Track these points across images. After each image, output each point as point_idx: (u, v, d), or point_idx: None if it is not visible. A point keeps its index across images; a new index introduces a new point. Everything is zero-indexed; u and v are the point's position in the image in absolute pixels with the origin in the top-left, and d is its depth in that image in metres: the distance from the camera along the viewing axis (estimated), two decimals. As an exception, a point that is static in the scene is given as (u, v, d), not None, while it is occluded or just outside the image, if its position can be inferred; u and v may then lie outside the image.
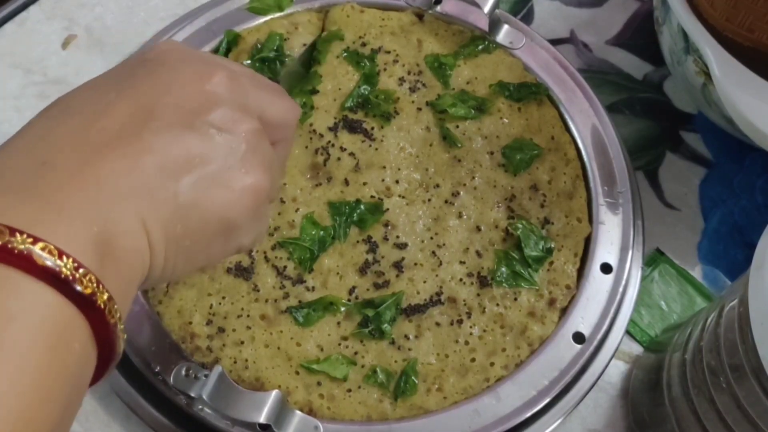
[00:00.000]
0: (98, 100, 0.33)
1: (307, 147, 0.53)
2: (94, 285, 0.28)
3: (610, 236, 0.51)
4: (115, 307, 0.29)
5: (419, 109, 0.55)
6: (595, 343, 0.48)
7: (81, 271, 0.28)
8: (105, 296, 0.28)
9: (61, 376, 0.27)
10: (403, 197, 0.52)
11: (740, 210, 0.57)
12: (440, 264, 0.50)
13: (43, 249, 0.27)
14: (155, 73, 0.34)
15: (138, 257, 0.31)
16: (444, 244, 0.50)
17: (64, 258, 0.27)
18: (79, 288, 0.27)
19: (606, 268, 0.50)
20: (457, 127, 0.54)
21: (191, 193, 0.33)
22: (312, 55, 0.54)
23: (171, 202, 0.32)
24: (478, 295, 0.49)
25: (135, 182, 0.31)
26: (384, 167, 0.52)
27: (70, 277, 0.27)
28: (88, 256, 0.28)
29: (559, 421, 0.47)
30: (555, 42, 0.61)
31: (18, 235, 0.27)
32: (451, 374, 0.47)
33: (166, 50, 0.36)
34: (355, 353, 0.47)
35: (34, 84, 0.60)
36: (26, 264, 0.27)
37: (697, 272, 0.54)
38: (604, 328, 0.48)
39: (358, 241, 0.50)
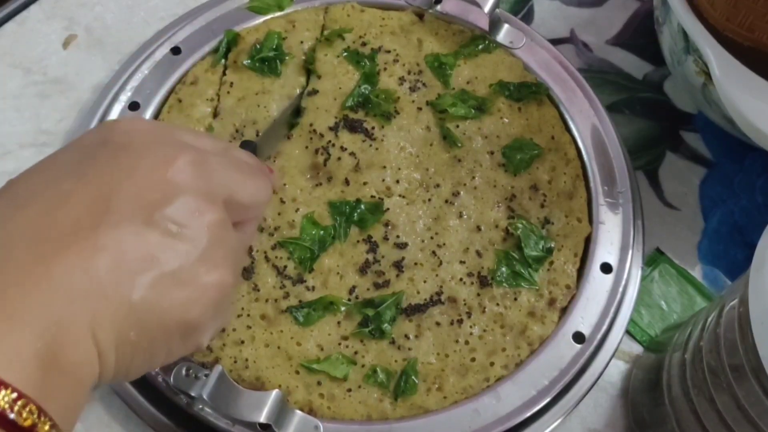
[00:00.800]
0: (55, 187, 0.31)
1: (307, 147, 0.53)
2: (35, 416, 0.27)
3: (610, 236, 0.51)
4: None
5: (419, 108, 0.55)
6: (595, 342, 0.48)
7: (20, 402, 0.26)
8: (47, 426, 0.27)
9: None
10: (404, 197, 0.52)
11: (740, 210, 0.57)
12: (440, 264, 0.50)
13: None
14: (116, 159, 0.33)
15: (86, 368, 0.30)
16: (444, 244, 0.50)
17: (2, 390, 0.26)
18: (18, 421, 0.26)
19: (606, 268, 0.50)
20: (458, 126, 0.54)
21: (148, 295, 0.31)
22: (298, 108, 0.54)
23: (126, 304, 0.30)
24: (478, 294, 0.49)
25: (88, 284, 0.29)
26: (384, 167, 0.52)
27: (8, 410, 0.26)
28: (31, 376, 0.27)
29: (559, 420, 0.47)
30: (555, 42, 0.61)
31: None
32: (451, 374, 0.47)
33: (130, 131, 0.34)
34: (356, 353, 0.47)
35: (34, 84, 0.60)
36: None
37: (697, 272, 0.54)
38: (604, 327, 0.48)
39: (358, 241, 0.50)
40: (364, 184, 0.52)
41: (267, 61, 0.56)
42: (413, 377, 0.46)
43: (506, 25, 0.58)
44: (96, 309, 0.30)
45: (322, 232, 0.50)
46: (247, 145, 0.42)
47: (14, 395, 0.26)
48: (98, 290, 0.30)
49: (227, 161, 0.36)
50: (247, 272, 0.49)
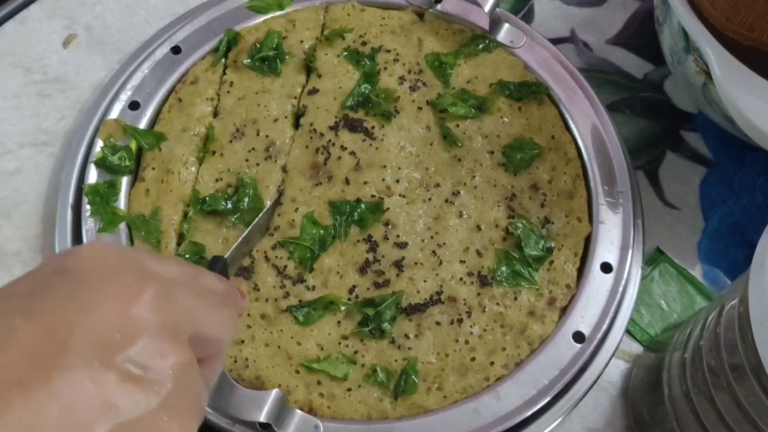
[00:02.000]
0: (2, 323, 0.28)
1: (307, 146, 0.53)
2: None
3: (611, 235, 0.51)
4: None
5: (420, 108, 0.55)
6: (595, 342, 0.48)
7: None
8: None
9: None
10: (404, 196, 0.52)
11: (740, 209, 0.57)
12: (440, 263, 0.50)
13: None
14: (72, 292, 0.30)
15: None
16: (444, 244, 0.50)
17: None
18: None
19: (606, 268, 0.50)
20: (458, 126, 0.54)
21: None
22: (274, 210, 0.51)
23: None
24: (479, 294, 0.49)
25: None
26: (384, 166, 0.52)
27: None
28: None
29: (559, 420, 0.47)
30: (555, 41, 0.61)
31: None
32: (451, 373, 0.47)
33: (91, 258, 0.32)
34: (356, 352, 0.47)
35: (34, 83, 0.60)
36: None
37: (697, 271, 0.54)
38: (604, 327, 0.48)
39: (358, 241, 0.50)
40: (365, 183, 0.52)
41: (267, 60, 0.56)
42: (413, 377, 0.46)
43: (506, 25, 0.58)
44: None
45: (322, 232, 0.50)
46: (216, 264, 0.40)
47: None
48: None
49: (195, 292, 0.34)
50: (247, 272, 0.49)
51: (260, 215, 0.50)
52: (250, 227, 0.49)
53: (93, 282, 0.30)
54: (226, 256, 0.45)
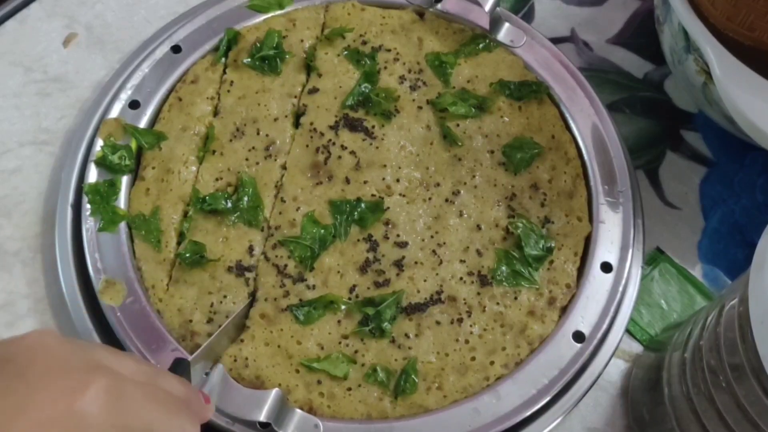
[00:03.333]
0: None
1: (307, 146, 0.53)
2: None
3: (611, 235, 0.51)
4: None
5: (420, 107, 0.55)
6: (595, 342, 0.48)
7: None
8: None
9: None
10: (404, 196, 0.52)
11: (741, 209, 0.57)
12: (440, 263, 0.50)
13: None
14: (10, 388, 0.27)
15: None
16: (444, 243, 0.50)
17: None
18: None
19: (606, 267, 0.50)
20: (458, 125, 0.54)
21: None
22: (248, 312, 0.48)
23: None
24: (479, 293, 0.49)
25: None
26: (385, 166, 0.52)
27: None
28: None
29: (558, 419, 0.47)
30: (556, 40, 0.61)
31: None
32: (451, 373, 0.47)
33: (35, 348, 0.29)
34: (356, 352, 0.47)
35: (35, 82, 0.60)
36: None
37: (697, 271, 0.54)
38: (604, 327, 0.48)
39: (358, 240, 0.50)
40: (365, 182, 0.52)
41: (267, 59, 0.56)
42: (413, 376, 0.46)
43: (507, 24, 0.58)
44: None
45: (322, 231, 0.50)
46: (178, 366, 0.37)
47: None
48: None
49: (150, 392, 0.31)
50: (248, 271, 0.49)
51: (230, 318, 0.47)
52: (219, 329, 0.46)
53: (34, 375, 0.28)
54: (190, 359, 0.42)
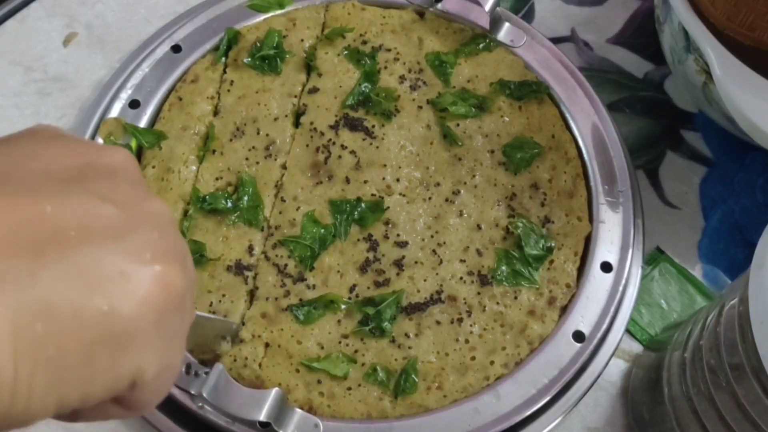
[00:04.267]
0: None
1: (308, 145, 0.53)
2: None
3: (611, 235, 0.51)
4: None
5: (420, 107, 0.55)
6: (595, 341, 0.48)
7: None
8: None
9: None
10: (404, 195, 0.52)
11: (741, 209, 0.57)
12: (441, 262, 0.50)
13: None
14: (21, 141, 0.26)
15: None
16: (444, 243, 0.50)
17: None
18: None
19: (606, 267, 0.50)
20: (458, 125, 0.54)
21: (60, 276, 0.23)
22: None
23: (27, 287, 0.22)
24: (479, 293, 0.49)
25: None
26: (385, 165, 0.52)
27: None
28: None
29: (558, 419, 0.47)
30: (556, 40, 0.61)
31: None
32: (451, 372, 0.47)
33: (45, 127, 0.28)
34: (356, 351, 0.47)
35: (35, 81, 0.60)
36: None
37: (697, 271, 0.54)
38: (604, 326, 0.48)
39: (358, 240, 0.50)
40: (365, 182, 0.52)
41: (267, 59, 0.56)
42: (413, 376, 0.46)
43: (507, 24, 0.58)
44: None
45: (322, 231, 0.50)
46: None
47: None
48: None
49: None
50: (248, 270, 0.49)
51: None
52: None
53: (47, 138, 0.27)
54: None
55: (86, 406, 0.24)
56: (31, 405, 0.22)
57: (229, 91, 0.55)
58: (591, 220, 0.51)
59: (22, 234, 0.23)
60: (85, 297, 0.23)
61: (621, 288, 0.49)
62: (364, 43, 0.57)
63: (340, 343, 0.47)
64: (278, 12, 0.58)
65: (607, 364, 0.48)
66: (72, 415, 0.26)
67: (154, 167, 0.52)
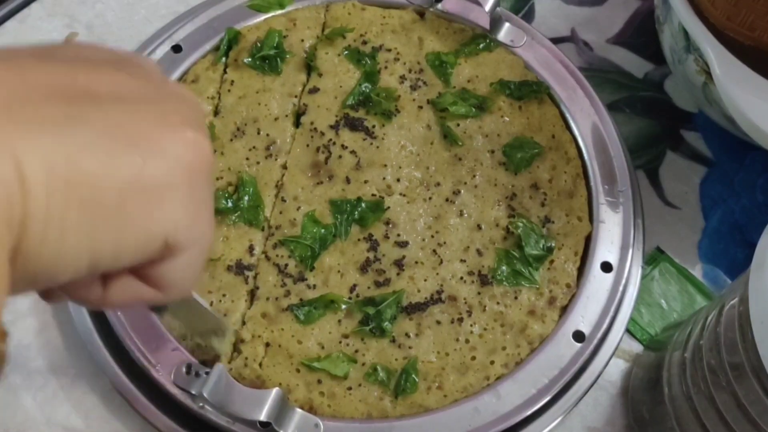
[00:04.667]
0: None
1: (308, 145, 0.53)
2: None
3: (611, 235, 0.51)
4: None
5: (420, 107, 0.55)
6: (595, 341, 0.48)
7: None
8: None
9: None
10: (404, 195, 0.52)
11: (741, 209, 0.57)
12: (441, 262, 0.50)
13: None
14: (62, 46, 0.27)
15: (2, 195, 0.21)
16: (445, 243, 0.50)
17: None
18: None
19: (606, 267, 0.50)
20: (458, 125, 0.54)
21: (95, 126, 0.23)
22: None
23: (63, 131, 0.23)
24: (479, 293, 0.49)
25: (9, 95, 0.22)
26: (385, 165, 0.52)
27: None
28: None
29: (559, 419, 0.47)
30: (556, 40, 0.61)
31: None
32: (452, 372, 0.47)
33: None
34: (356, 351, 0.47)
35: (35, 81, 0.60)
36: None
37: (697, 271, 0.54)
38: (604, 326, 0.48)
39: (359, 239, 0.50)
40: (365, 182, 0.52)
41: (268, 59, 0.56)
42: (413, 375, 0.46)
43: (507, 24, 0.58)
44: (15, 130, 0.22)
45: (323, 231, 0.50)
46: None
47: None
48: (20, 105, 0.22)
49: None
50: (248, 269, 0.49)
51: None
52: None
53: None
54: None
55: (118, 266, 0.25)
56: (64, 246, 0.22)
57: (229, 91, 0.55)
58: (591, 220, 0.51)
59: (57, 90, 0.23)
60: (119, 147, 0.24)
61: (621, 288, 0.49)
62: (365, 43, 0.57)
63: (340, 342, 0.47)
64: (278, 12, 0.58)
65: (607, 364, 0.48)
66: (103, 297, 0.27)
67: (154, 167, 0.52)
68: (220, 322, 0.46)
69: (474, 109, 0.55)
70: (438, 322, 0.48)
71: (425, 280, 0.49)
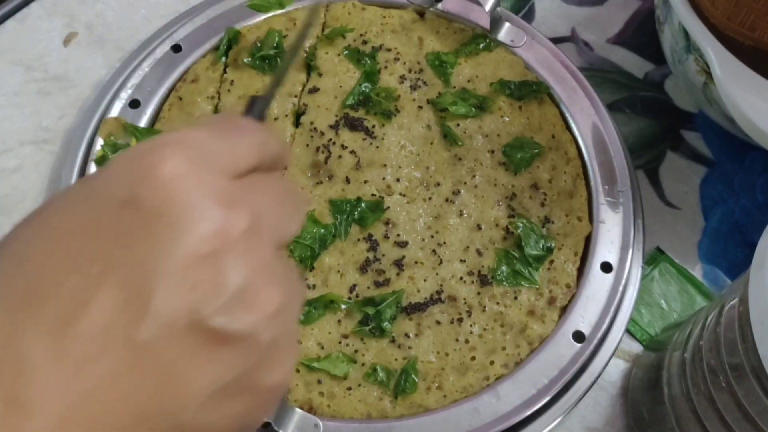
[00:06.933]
0: (76, 273, 0.23)
1: (308, 145, 0.53)
2: None
3: (611, 235, 0.51)
4: None
5: (420, 107, 0.55)
6: (594, 341, 0.48)
7: None
8: None
9: None
10: (404, 195, 0.52)
11: (741, 209, 0.57)
12: (441, 262, 0.50)
13: None
14: (149, 229, 0.24)
15: None
16: (444, 243, 0.50)
17: None
18: None
19: (606, 267, 0.50)
20: (458, 125, 0.54)
21: (197, 416, 0.25)
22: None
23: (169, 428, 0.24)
24: (479, 293, 0.49)
25: (117, 407, 0.23)
26: (385, 165, 0.52)
27: None
28: None
29: (558, 419, 0.47)
30: (556, 40, 0.61)
31: None
32: (451, 372, 0.47)
33: (169, 186, 0.24)
34: (356, 351, 0.47)
35: (35, 81, 0.60)
36: None
37: (697, 271, 0.54)
38: (604, 326, 0.48)
39: (358, 239, 0.50)
40: (365, 182, 0.52)
41: (268, 59, 0.56)
42: (413, 376, 0.46)
43: (507, 24, 0.58)
44: None
45: (322, 231, 0.50)
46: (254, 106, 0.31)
47: None
48: (135, 417, 0.23)
49: (270, 192, 0.27)
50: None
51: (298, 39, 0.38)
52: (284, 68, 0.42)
53: (171, 217, 0.24)
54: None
55: None
56: None
57: (229, 90, 0.55)
58: (591, 220, 0.51)
59: (162, 384, 0.24)
60: (216, 427, 0.26)
61: (621, 288, 0.49)
62: (365, 42, 0.57)
63: (340, 343, 0.47)
64: (278, 12, 0.58)
65: (607, 364, 0.48)
66: None
67: (154, 167, 0.52)
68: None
69: (474, 109, 0.55)
70: (438, 323, 0.48)
71: (425, 280, 0.49)
